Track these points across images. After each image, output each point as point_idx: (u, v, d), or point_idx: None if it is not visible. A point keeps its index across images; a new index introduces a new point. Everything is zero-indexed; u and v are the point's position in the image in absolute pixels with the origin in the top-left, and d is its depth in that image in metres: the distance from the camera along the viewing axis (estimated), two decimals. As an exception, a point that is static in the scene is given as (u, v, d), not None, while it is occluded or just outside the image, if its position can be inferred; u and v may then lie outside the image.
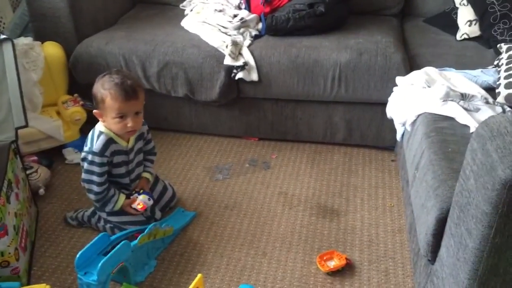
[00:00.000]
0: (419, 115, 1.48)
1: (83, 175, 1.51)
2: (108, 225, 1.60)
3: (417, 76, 1.63)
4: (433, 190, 1.16)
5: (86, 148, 1.50)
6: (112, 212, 1.57)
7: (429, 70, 1.65)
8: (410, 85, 1.64)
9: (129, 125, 1.45)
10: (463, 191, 0.97)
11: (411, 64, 1.93)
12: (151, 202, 1.59)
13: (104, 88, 1.43)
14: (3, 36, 1.64)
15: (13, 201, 1.44)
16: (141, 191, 1.61)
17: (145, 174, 1.67)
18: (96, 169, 1.48)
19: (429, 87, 1.56)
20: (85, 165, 1.49)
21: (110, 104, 1.42)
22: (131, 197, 1.59)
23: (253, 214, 1.75)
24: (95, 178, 1.49)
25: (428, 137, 1.33)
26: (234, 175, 1.97)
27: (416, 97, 1.54)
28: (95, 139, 1.48)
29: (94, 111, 1.50)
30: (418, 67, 1.84)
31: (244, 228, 1.68)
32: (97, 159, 1.47)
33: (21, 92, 1.61)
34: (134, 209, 1.56)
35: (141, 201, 1.56)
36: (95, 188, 1.50)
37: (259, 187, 1.89)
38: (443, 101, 1.44)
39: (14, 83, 1.61)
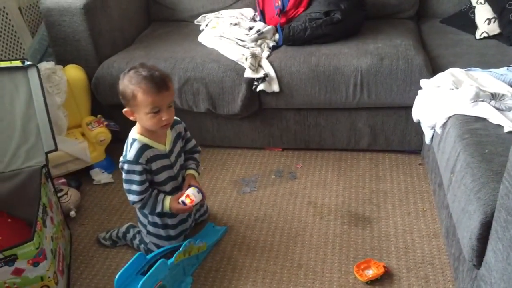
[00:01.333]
0: (449, 117, 1.47)
1: (124, 185, 1.47)
2: (142, 246, 1.60)
3: (443, 77, 1.62)
4: (474, 193, 1.15)
5: (121, 158, 1.47)
6: (151, 231, 1.56)
7: (455, 71, 1.63)
8: (436, 87, 1.62)
9: (164, 118, 1.38)
10: (509, 193, 0.96)
11: (433, 66, 1.91)
12: (201, 196, 1.49)
13: (133, 84, 1.36)
14: (28, 63, 1.66)
15: (49, 225, 1.45)
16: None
17: (190, 171, 1.60)
18: (134, 177, 1.44)
19: (456, 88, 1.54)
20: (124, 175, 1.46)
21: (142, 99, 1.35)
22: (179, 192, 1.52)
23: (284, 225, 1.74)
24: (134, 187, 1.45)
25: (462, 139, 1.32)
26: (261, 187, 1.96)
27: (444, 99, 1.52)
28: (129, 147, 1.45)
29: (124, 110, 1.43)
30: (441, 68, 1.83)
31: (277, 240, 1.67)
32: (132, 167, 1.43)
33: (49, 117, 1.62)
34: (183, 202, 1.47)
35: (189, 194, 1.47)
36: (134, 197, 1.46)
37: (288, 197, 1.89)
38: (473, 102, 1.43)
39: (41, 108, 1.63)
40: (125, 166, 1.45)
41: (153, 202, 1.48)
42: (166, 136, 1.52)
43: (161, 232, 1.57)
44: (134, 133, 1.47)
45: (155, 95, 1.35)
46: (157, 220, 1.55)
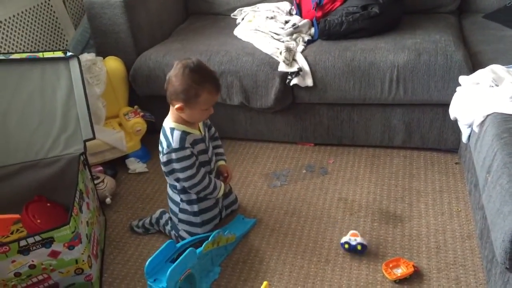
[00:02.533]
0: (487, 116, 1.42)
1: (180, 175, 1.51)
2: (173, 232, 1.63)
3: (483, 74, 1.56)
4: (509, 194, 1.11)
5: (165, 150, 1.50)
6: (182, 218, 1.61)
7: (496, 68, 1.57)
8: (475, 84, 1.57)
9: (211, 112, 1.52)
10: (547, 195, 0.92)
11: (473, 63, 1.85)
12: None
13: (198, 84, 1.43)
14: (69, 53, 1.72)
15: (85, 210, 1.50)
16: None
17: (222, 162, 1.70)
18: (187, 162, 1.48)
19: (497, 85, 1.49)
20: (176, 165, 1.49)
21: (206, 99, 1.45)
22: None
23: (313, 220, 1.74)
24: (192, 172, 1.50)
25: (500, 139, 1.27)
26: (292, 181, 1.96)
27: (483, 97, 1.47)
28: (170, 136, 1.49)
29: (179, 105, 1.45)
30: (481, 65, 1.76)
31: (305, 235, 1.67)
32: (181, 154, 1.48)
33: (88, 106, 1.68)
34: None
35: None
36: (196, 179, 1.51)
37: (318, 193, 1.88)
38: (514, 100, 1.37)
39: (81, 98, 1.69)
40: (174, 156, 1.48)
41: (212, 187, 1.56)
42: (198, 123, 1.59)
43: (192, 218, 1.61)
44: (170, 122, 1.52)
45: (215, 95, 1.48)
46: (187, 207, 1.59)
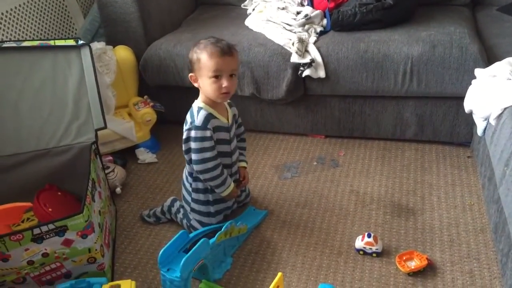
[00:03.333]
0: (505, 108, 1.40)
1: (193, 156, 1.48)
2: (185, 221, 1.63)
3: (500, 67, 1.55)
4: (530, 187, 1.09)
5: (187, 126, 1.49)
6: (195, 208, 1.59)
7: (514, 61, 1.56)
8: (492, 77, 1.55)
9: (224, 85, 1.42)
10: None
11: (488, 56, 1.83)
12: None
13: (200, 49, 1.43)
14: (81, 42, 1.71)
15: (97, 199, 1.50)
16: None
17: (243, 164, 1.69)
18: (205, 144, 1.46)
19: (514, 78, 1.47)
20: (192, 144, 1.47)
21: (205, 61, 1.41)
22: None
23: (325, 212, 1.73)
24: (207, 154, 1.47)
25: (520, 131, 1.26)
26: (303, 173, 1.95)
27: (500, 89, 1.46)
28: (195, 114, 1.48)
29: (190, 74, 1.48)
30: (496, 58, 1.74)
31: (317, 227, 1.66)
32: (202, 134, 1.46)
33: (99, 95, 1.66)
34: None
35: None
36: (210, 164, 1.48)
37: (329, 185, 1.87)
38: (533, 92, 1.36)
39: (92, 87, 1.67)
40: (193, 133, 1.47)
41: (222, 181, 1.53)
42: (228, 111, 1.56)
43: (202, 208, 1.60)
44: (199, 102, 1.51)
45: (217, 57, 1.40)
46: (201, 197, 1.58)
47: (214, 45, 1.41)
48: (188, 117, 1.51)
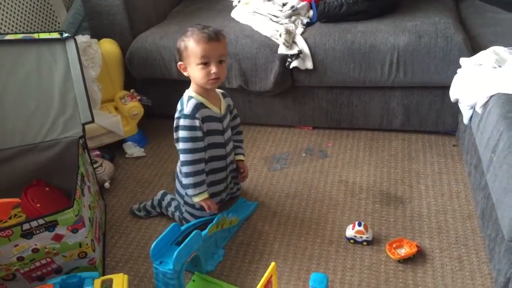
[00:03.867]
0: (491, 96, 1.43)
1: (181, 145, 1.47)
2: (177, 214, 1.62)
3: (486, 56, 1.57)
4: (517, 172, 1.12)
5: (177, 114, 1.48)
6: (188, 201, 1.58)
7: (498, 49, 1.58)
8: (477, 66, 1.58)
9: (212, 71, 1.40)
10: (558, 172, 0.93)
11: (472, 45, 1.86)
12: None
13: (186, 36, 1.42)
14: (66, 35, 1.68)
15: (87, 194, 1.48)
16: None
17: (240, 157, 1.68)
18: (193, 133, 1.45)
19: (499, 66, 1.50)
20: (180, 133, 1.46)
21: (193, 48, 1.40)
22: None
23: (315, 203, 1.74)
24: (194, 145, 1.45)
25: (506, 118, 1.28)
26: (292, 164, 1.96)
27: (486, 78, 1.48)
28: (185, 103, 1.47)
29: (179, 63, 1.47)
30: (480, 48, 1.77)
31: (307, 217, 1.67)
32: (190, 123, 1.44)
33: (86, 89, 1.64)
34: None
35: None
36: (196, 156, 1.46)
37: (318, 175, 1.88)
38: (518, 80, 1.38)
39: (79, 80, 1.65)
40: (181, 122, 1.45)
41: (200, 181, 1.49)
42: (221, 101, 1.55)
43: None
44: (190, 91, 1.50)
45: (204, 44, 1.39)
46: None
47: (201, 32, 1.41)
48: (178, 105, 1.49)
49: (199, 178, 1.50)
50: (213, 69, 1.41)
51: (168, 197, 1.67)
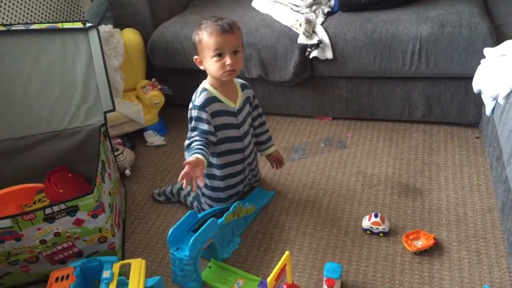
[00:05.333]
0: (514, 87, 1.39)
1: (189, 134, 1.48)
2: (196, 203, 1.65)
3: (510, 46, 1.53)
4: (537, 165, 1.09)
5: (190, 105, 1.49)
6: (206, 193, 1.60)
7: (523, 39, 1.54)
8: (501, 56, 1.54)
9: (227, 63, 1.40)
10: None
11: (497, 35, 1.81)
12: None
13: (200, 29, 1.43)
14: (88, 24, 1.71)
15: (107, 180, 1.52)
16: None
17: (271, 150, 1.70)
18: (200, 125, 1.45)
19: (524, 57, 1.46)
20: (192, 123, 1.47)
21: (206, 40, 1.40)
22: None
23: (332, 193, 1.74)
24: (189, 133, 1.46)
25: (528, 110, 1.25)
26: (310, 155, 1.96)
27: (510, 68, 1.44)
28: (198, 94, 1.48)
29: (195, 57, 1.48)
30: (506, 37, 1.72)
31: (324, 207, 1.67)
32: (200, 114, 1.45)
33: (108, 78, 1.67)
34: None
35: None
36: (187, 140, 1.45)
37: (336, 166, 1.87)
38: (542, 71, 1.34)
39: (101, 69, 1.68)
40: (193, 113, 1.46)
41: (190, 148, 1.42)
42: (237, 94, 1.54)
43: (212, 194, 1.61)
44: (205, 83, 1.51)
45: (217, 36, 1.39)
46: (214, 183, 1.59)
47: (214, 24, 1.40)
48: (193, 96, 1.51)
49: (191, 146, 1.43)
50: (228, 60, 1.40)
51: (188, 187, 1.68)
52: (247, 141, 1.60)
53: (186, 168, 1.32)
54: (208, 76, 1.51)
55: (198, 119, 1.46)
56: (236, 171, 1.61)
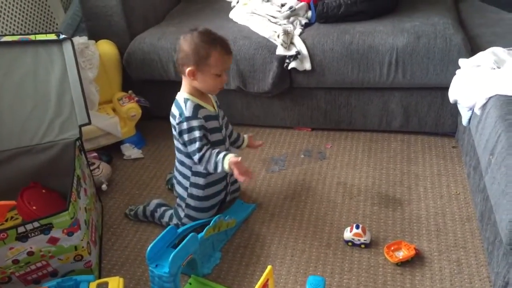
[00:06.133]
0: (490, 98, 1.41)
1: (189, 148, 1.44)
2: (174, 221, 1.60)
3: (484, 57, 1.56)
4: (515, 175, 1.11)
5: (177, 120, 1.44)
6: (190, 204, 1.56)
7: (497, 50, 1.57)
8: (476, 67, 1.57)
9: (225, 81, 1.45)
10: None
11: (471, 46, 1.84)
12: None
13: (207, 43, 1.38)
14: (62, 36, 1.67)
15: (83, 196, 1.47)
16: None
17: (246, 138, 1.74)
18: (196, 133, 1.42)
19: (498, 67, 1.48)
20: (186, 137, 1.43)
21: (217, 59, 1.39)
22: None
23: (313, 205, 1.73)
24: (198, 144, 1.41)
25: (504, 120, 1.27)
26: (290, 166, 1.95)
27: (485, 79, 1.47)
28: (183, 106, 1.45)
29: (189, 69, 1.40)
30: (480, 48, 1.76)
31: (305, 219, 1.66)
32: (194, 123, 1.42)
33: (83, 91, 1.63)
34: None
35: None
36: (197, 155, 1.42)
37: (317, 177, 1.87)
38: (517, 82, 1.37)
39: (75, 82, 1.64)
40: (185, 125, 1.43)
41: (214, 161, 1.40)
42: (211, 100, 1.56)
43: (199, 204, 1.57)
44: (184, 93, 1.48)
45: (227, 57, 1.43)
46: (200, 192, 1.56)
47: (223, 43, 1.42)
48: (174, 110, 1.48)
49: (212, 162, 1.41)
50: (225, 78, 1.45)
51: (161, 209, 1.65)
52: (228, 144, 1.62)
53: (238, 168, 1.35)
54: (185, 86, 1.49)
55: (191, 129, 1.43)
56: (219, 177, 1.58)
